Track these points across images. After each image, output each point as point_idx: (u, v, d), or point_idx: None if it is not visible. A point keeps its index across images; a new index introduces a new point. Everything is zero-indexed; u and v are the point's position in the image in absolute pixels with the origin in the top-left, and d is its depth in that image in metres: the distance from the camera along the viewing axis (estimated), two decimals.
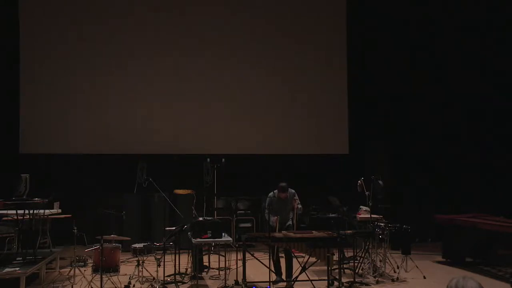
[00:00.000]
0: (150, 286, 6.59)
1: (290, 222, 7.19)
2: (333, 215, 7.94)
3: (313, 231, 6.78)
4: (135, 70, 10.76)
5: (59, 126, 10.47)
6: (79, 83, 10.56)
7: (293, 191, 7.17)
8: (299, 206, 7.17)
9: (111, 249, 6.59)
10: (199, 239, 6.71)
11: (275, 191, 7.09)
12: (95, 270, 6.46)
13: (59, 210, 8.20)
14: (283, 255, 6.98)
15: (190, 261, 7.48)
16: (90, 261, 7.71)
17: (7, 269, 6.19)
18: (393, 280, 7.13)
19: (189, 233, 6.98)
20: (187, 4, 11.07)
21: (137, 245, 6.85)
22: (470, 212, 8.72)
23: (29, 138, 10.36)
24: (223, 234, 6.93)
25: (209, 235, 6.72)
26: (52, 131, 10.44)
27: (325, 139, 11.26)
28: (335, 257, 6.75)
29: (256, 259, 6.88)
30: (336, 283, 6.62)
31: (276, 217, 6.97)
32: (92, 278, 6.46)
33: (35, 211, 7.06)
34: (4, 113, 10.25)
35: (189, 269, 7.43)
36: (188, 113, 10.86)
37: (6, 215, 7.40)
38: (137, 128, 10.65)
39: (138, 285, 6.73)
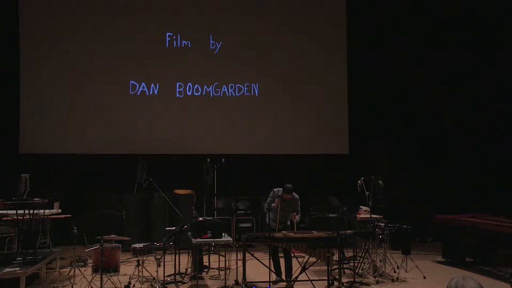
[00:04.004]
0: (150, 286, 6.59)
1: (288, 223, 7.16)
2: (333, 215, 7.94)
3: (313, 231, 6.78)
4: (135, 70, 10.76)
5: (59, 126, 10.48)
6: (79, 83, 10.57)
7: (297, 196, 7.07)
8: (298, 218, 7.10)
9: (111, 249, 6.59)
10: (199, 239, 6.71)
11: (275, 190, 7.06)
12: (95, 270, 6.46)
13: (59, 210, 8.20)
14: (282, 255, 6.98)
15: (190, 261, 7.48)
16: (90, 261, 7.71)
17: (7, 269, 6.19)
18: (393, 280, 7.14)
19: (189, 233, 6.98)
20: (187, 4, 11.08)
21: (137, 245, 6.84)
22: (470, 212, 8.71)
23: (29, 138, 10.36)
24: (223, 234, 6.93)
25: (209, 235, 6.72)
26: (52, 131, 10.44)
27: (325, 139, 11.26)
28: (335, 257, 6.75)
29: (256, 259, 6.87)
30: (336, 283, 6.62)
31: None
32: (92, 278, 6.46)
33: (35, 211, 7.05)
34: (4, 113, 10.24)
35: (189, 269, 7.43)
36: (188, 113, 10.87)
37: (6, 215, 7.40)
38: (137, 128, 10.66)
39: (138, 285, 6.73)
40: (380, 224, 7.58)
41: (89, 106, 10.58)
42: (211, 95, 11.02)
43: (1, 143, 10.07)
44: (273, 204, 6.96)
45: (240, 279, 6.46)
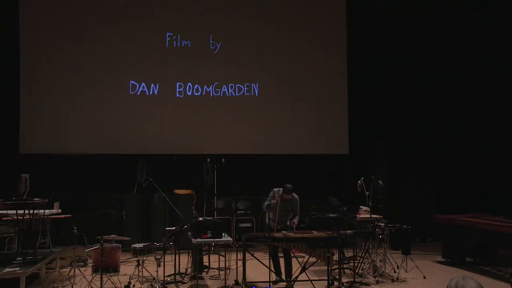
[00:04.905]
0: (150, 286, 6.59)
1: (288, 223, 7.15)
2: (333, 215, 7.94)
3: (313, 231, 6.78)
4: (135, 70, 10.76)
5: (59, 126, 10.47)
6: (79, 83, 10.56)
7: (296, 197, 7.07)
8: (296, 220, 7.08)
9: (111, 249, 6.59)
10: (199, 239, 6.71)
11: (275, 190, 7.06)
12: (95, 270, 6.46)
13: (59, 210, 8.20)
14: (282, 255, 6.98)
15: (190, 261, 7.48)
16: (90, 261, 7.71)
17: (7, 269, 6.19)
18: (393, 280, 7.14)
19: (189, 233, 6.98)
20: (187, 4, 11.08)
21: (137, 245, 6.84)
22: (470, 212, 8.72)
23: (29, 138, 10.35)
24: (223, 234, 6.93)
25: (209, 235, 6.72)
26: (52, 131, 10.43)
27: (325, 139, 11.25)
28: (335, 257, 6.75)
29: (256, 259, 6.87)
30: (336, 283, 6.62)
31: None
32: (92, 278, 6.47)
33: (35, 211, 7.05)
34: (4, 113, 10.24)
35: (189, 269, 7.43)
36: (188, 113, 10.86)
37: (6, 215, 7.40)
38: (137, 128, 10.65)
39: (138, 285, 6.73)
40: (380, 224, 7.58)
41: (89, 106, 10.57)
42: (211, 95, 11.01)
43: (1, 143, 10.07)
44: (273, 201, 6.94)
45: (240, 279, 6.46)
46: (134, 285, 6.73)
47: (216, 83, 11.02)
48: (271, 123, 11.11)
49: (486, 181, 10.41)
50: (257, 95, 11.16)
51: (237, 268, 7.00)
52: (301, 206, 7.21)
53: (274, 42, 11.20)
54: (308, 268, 6.67)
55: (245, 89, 11.14)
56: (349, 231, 7.32)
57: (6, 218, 7.46)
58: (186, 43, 11.00)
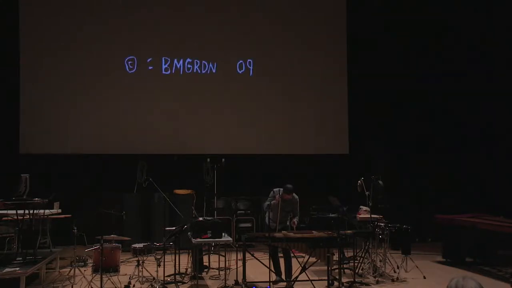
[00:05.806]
0: (150, 286, 6.59)
1: (288, 223, 7.15)
2: (333, 215, 7.94)
3: (313, 231, 6.78)
4: (135, 70, 10.75)
5: (59, 126, 10.47)
6: (79, 83, 10.56)
7: (296, 197, 7.07)
8: (296, 221, 7.08)
9: (111, 249, 6.59)
10: (199, 239, 6.71)
11: (275, 190, 7.05)
12: (95, 270, 6.46)
13: (59, 210, 8.21)
14: (282, 255, 6.98)
15: (190, 261, 7.48)
16: (90, 261, 7.71)
17: (7, 269, 6.19)
18: (393, 280, 7.14)
19: (189, 233, 6.98)
20: (186, 4, 11.07)
21: (137, 245, 6.84)
22: (470, 212, 8.72)
23: (29, 138, 10.35)
24: (223, 234, 6.93)
25: (209, 235, 6.72)
26: (52, 131, 10.43)
27: (325, 139, 11.25)
28: (335, 257, 6.75)
29: (256, 259, 6.88)
30: (336, 283, 6.62)
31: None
32: (92, 278, 6.47)
33: (35, 211, 7.05)
34: (4, 113, 10.24)
35: (189, 269, 7.43)
36: (188, 113, 10.86)
37: (6, 215, 7.40)
38: (137, 128, 10.65)
39: (138, 285, 6.73)
40: (380, 224, 7.58)
41: (89, 106, 10.57)
42: (212, 95, 10.99)
43: (1, 143, 10.07)
44: (273, 201, 6.95)
45: (240, 279, 6.46)
46: (134, 285, 6.73)
47: (216, 83, 11.00)
48: (271, 123, 11.10)
49: (486, 181, 10.40)
50: (257, 95, 11.15)
51: (237, 268, 7.00)
52: (301, 206, 7.21)
53: (275, 42, 11.19)
54: (308, 268, 6.67)
55: (246, 89, 11.12)
56: (349, 231, 7.31)
57: (6, 218, 7.46)
58: (185, 44, 10.97)
